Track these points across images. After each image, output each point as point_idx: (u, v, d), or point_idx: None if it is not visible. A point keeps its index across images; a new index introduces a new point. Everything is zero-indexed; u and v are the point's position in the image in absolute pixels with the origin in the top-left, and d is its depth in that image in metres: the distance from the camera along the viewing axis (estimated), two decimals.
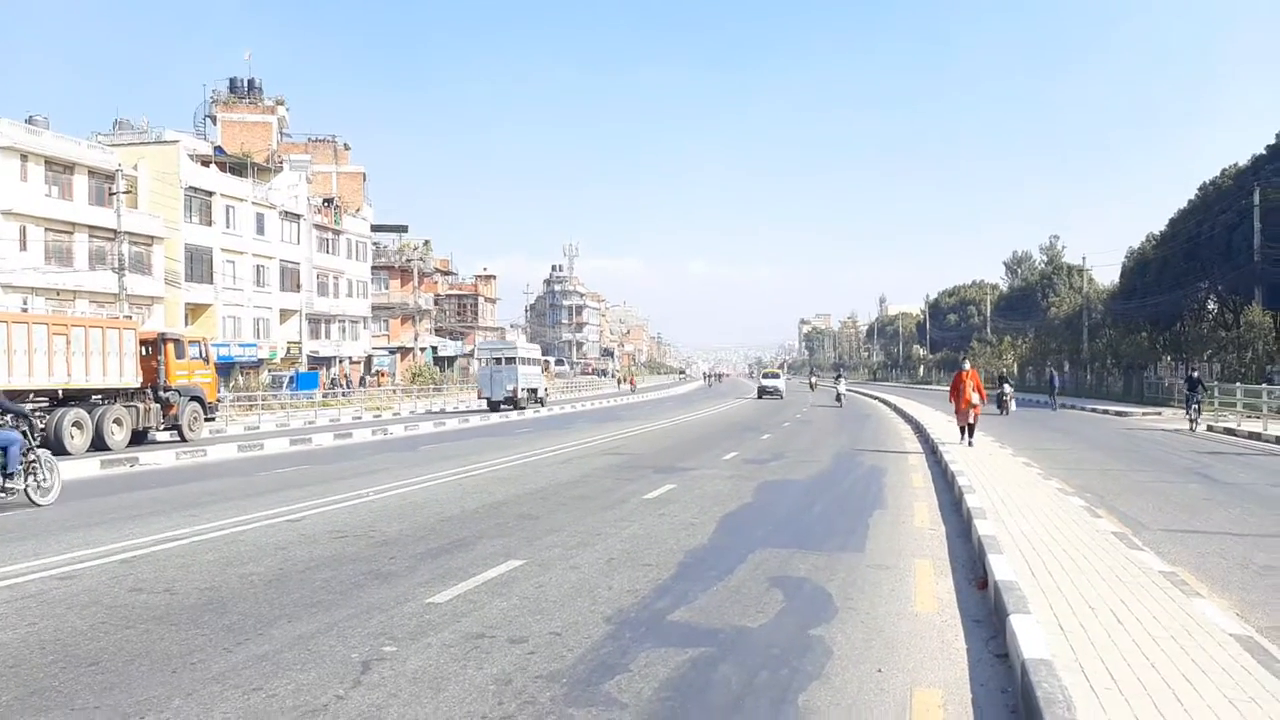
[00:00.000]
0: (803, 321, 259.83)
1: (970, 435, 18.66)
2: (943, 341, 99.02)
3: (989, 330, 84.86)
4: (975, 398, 18.50)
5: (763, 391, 55.41)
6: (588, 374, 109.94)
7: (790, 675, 5.14)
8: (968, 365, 19.91)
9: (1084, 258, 65.65)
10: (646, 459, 17.82)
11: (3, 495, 11.77)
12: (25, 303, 34.21)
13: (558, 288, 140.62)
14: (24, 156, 38.90)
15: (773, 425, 28.91)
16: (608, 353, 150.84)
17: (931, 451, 18.84)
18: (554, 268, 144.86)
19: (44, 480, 12.30)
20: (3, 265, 36.92)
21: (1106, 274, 70.56)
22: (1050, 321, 69.40)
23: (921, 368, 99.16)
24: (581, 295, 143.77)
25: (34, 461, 12.22)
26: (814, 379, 74.83)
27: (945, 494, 12.66)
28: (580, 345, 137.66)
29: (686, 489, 13.17)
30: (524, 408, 40.41)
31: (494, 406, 39.86)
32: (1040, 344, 64.75)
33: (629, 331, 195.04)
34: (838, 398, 44.10)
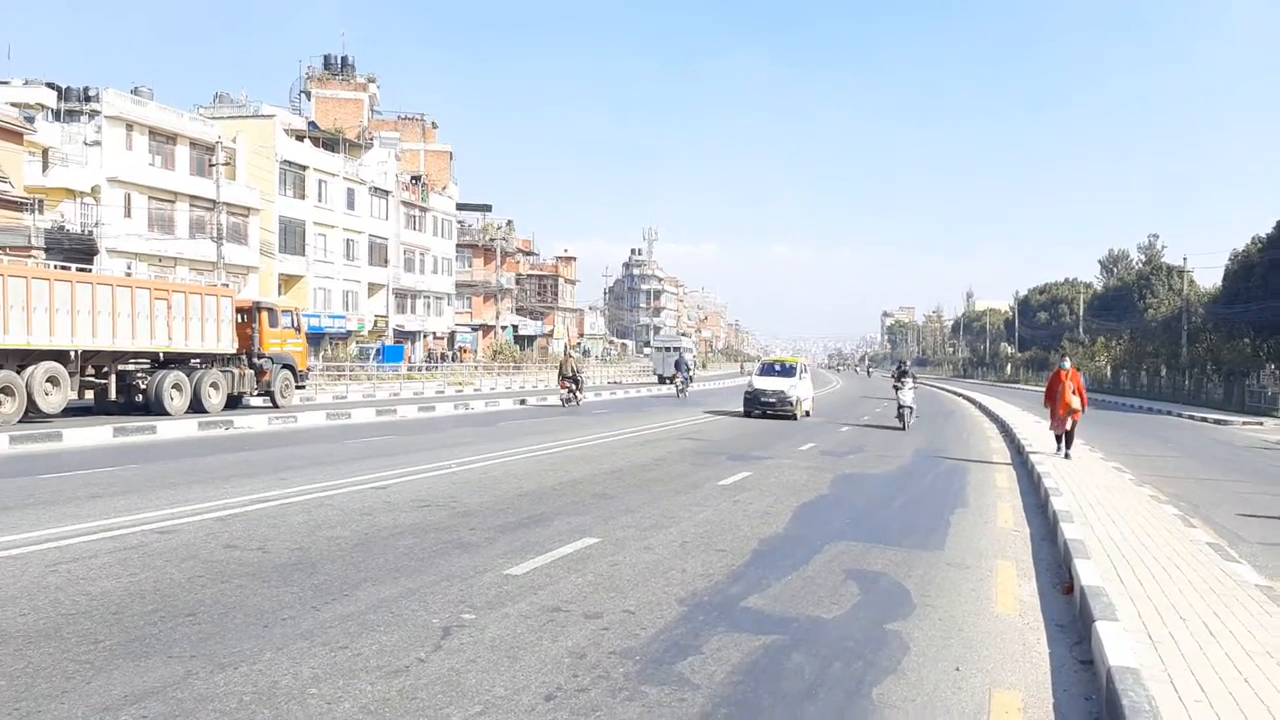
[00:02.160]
0: (885, 314, 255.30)
1: (1068, 445, 16.11)
2: (1031, 340, 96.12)
3: (1081, 330, 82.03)
4: (1076, 401, 15.87)
5: (755, 402, 26.07)
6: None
7: (865, 668, 5.10)
8: (1068, 364, 16.63)
9: (1184, 258, 62.61)
10: (723, 445, 17.79)
11: None
12: (129, 268, 35.89)
13: (636, 271, 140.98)
14: (129, 126, 40.64)
15: (851, 418, 28.53)
16: (684, 336, 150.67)
17: (1018, 452, 18.35)
18: (633, 251, 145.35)
19: None
20: (109, 231, 38.73)
21: (1208, 276, 67.30)
22: (1147, 324, 66.67)
23: (1009, 366, 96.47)
24: (660, 279, 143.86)
25: None
26: (871, 369, 72.21)
27: (1030, 495, 12.34)
28: (657, 330, 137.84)
29: (762, 477, 13.12)
30: (688, 382, 48.26)
31: (662, 380, 52.99)
32: (1136, 347, 62.33)
33: (706, 317, 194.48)
34: (900, 416, 23.71)
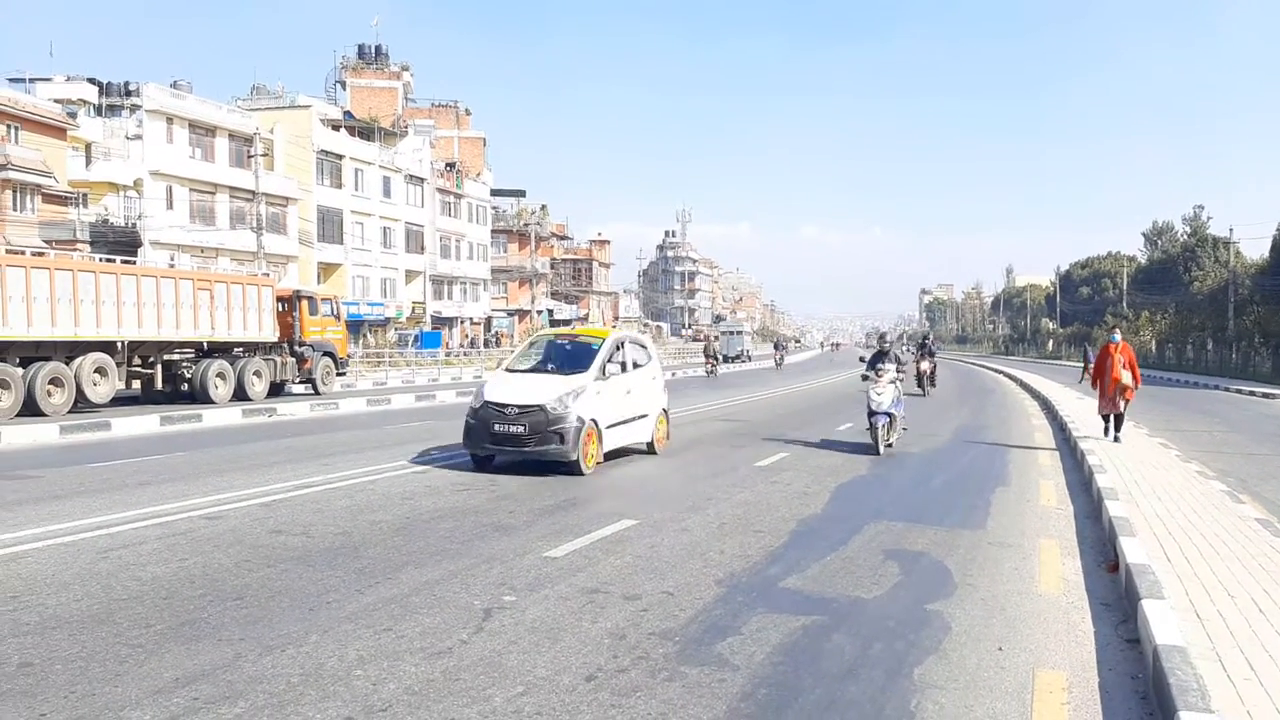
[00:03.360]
0: (923, 291, 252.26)
1: (1117, 428, 14.66)
2: (1074, 315, 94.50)
3: (1125, 304, 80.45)
4: (1127, 377, 14.24)
5: (483, 433, 11.18)
6: (699, 340, 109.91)
7: (906, 648, 5.07)
8: (1118, 336, 14.98)
9: (1230, 229, 60.84)
10: (759, 426, 17.74)
11: None
12: (173, 259, 36.48)
13: (670, 253, 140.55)
14: (170, 120, 41.23)
15: None
16: (719, 319, 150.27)
17: (1060, 429, 18.09)
18: (667, 234, 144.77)
19: None
20: (152, 223, 39.40)
21: (1255, 248, 65.26)
22: (1192, 297, 65.16)
23: (1050, 342, 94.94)
24: (694, 261, 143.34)
25: None
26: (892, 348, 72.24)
27: (1074, 473, 12.17)
28: (692, 311, 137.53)
29: (799, 458, 13.07)
30: (748, 359, 60.39)
31: (727, 360, 57.12)
32: (1181, 320, 61.00)
33: (741, 299, 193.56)
34: (873, 428, 13.75)
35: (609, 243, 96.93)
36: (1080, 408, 20.99)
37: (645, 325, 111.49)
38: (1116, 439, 14.49)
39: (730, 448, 14.21)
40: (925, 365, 28.07)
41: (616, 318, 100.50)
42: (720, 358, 49.31)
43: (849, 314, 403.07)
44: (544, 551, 7.01)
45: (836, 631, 5.31)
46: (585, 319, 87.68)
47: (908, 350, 46.13)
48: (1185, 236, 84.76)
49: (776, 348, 57.16)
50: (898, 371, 14.48)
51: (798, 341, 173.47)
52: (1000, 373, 49.43)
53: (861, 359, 15.66)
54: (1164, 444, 15.00)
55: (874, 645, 5.10)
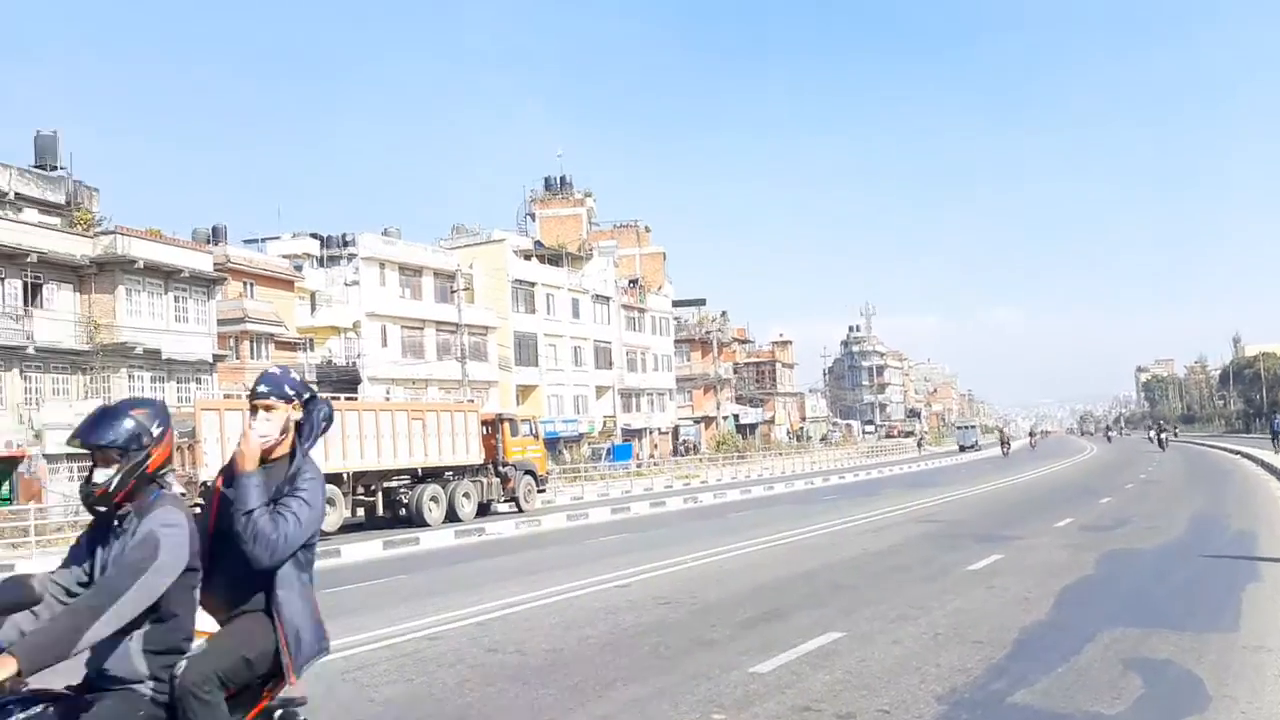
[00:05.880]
0: (1139, 369, 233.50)
1: None
2: None
3: None
4: None
5: None
6: (892, 436, 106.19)
7: None
8: None
9: None
10: (966, 526, 16.85)
11: None
12: (388, 392, 39.57)
13: (855, 349, 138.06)
14: (382, 264, 45.43)
15: (1112, 487, 26.18)
16: (913, 413, 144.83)
17: None
18: (850, 329, 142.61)
19: None
20: (369, 361, 43.04)
21: None
22: None
23: None
24: (881, 355, 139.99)
25: None
26: (1114, 431, 72.61)
27: None
28: (883, 407, 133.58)
29: (1015, 559, 12.28)
30: (979, 448, 74.31)
31: (963, 449, 73.63)
32: None
33: (935, 390, 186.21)
34: None
35: (791, 343, 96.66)
36: None
37: (835, 424, 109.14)
38: None
39: (938, 550, 13.56)
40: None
41: (804, 419, 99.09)
42: (920, 444, 71.56)
43: (1055, 398, 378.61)
44: (750, 667, 6.92)
45: None
46: (772, 421, 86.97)
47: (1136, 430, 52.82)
48: None
49: (1003, 442, 65.80)
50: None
51: (1002, 432, 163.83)
52: (1236, 452, 44.66)
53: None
54: None
55: None
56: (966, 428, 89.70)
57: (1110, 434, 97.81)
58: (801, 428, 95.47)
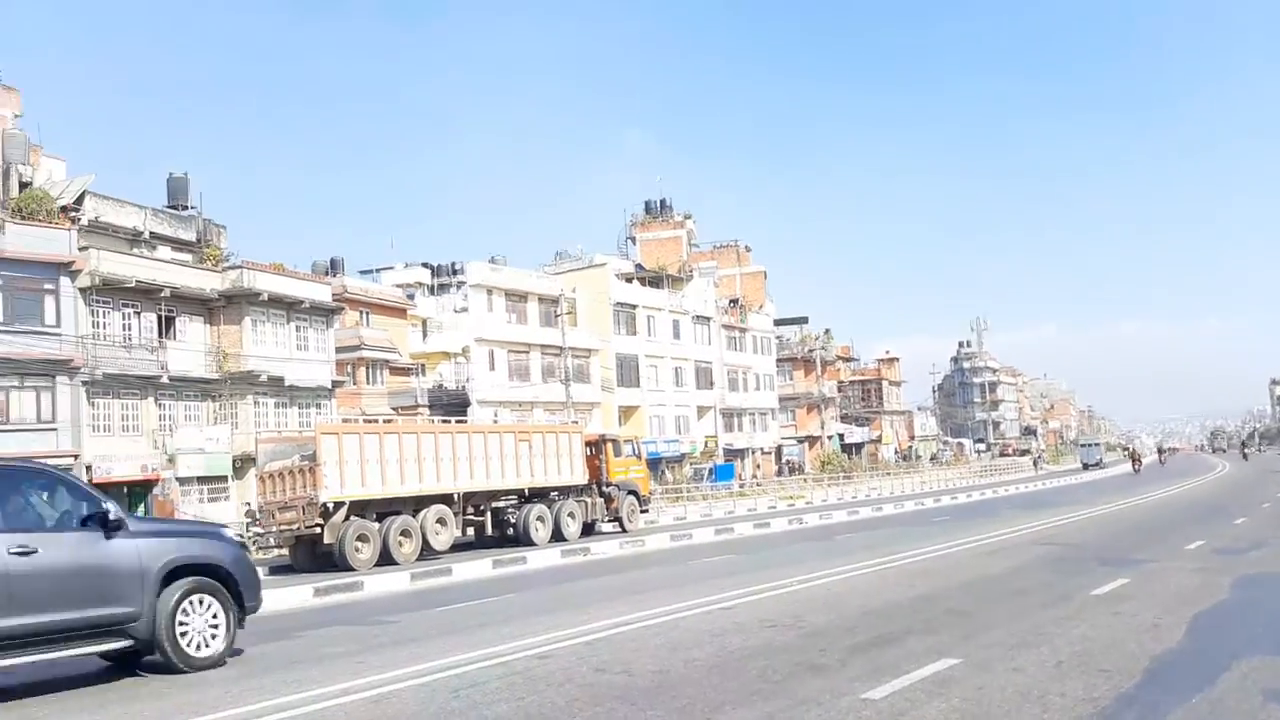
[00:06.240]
0: (1274, 381, 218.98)
1: None
2: None
3: None
4: None
5: None
6: (1007, 455, 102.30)
7: None
8: None
9: None
10: (1089, 549, 16.10)
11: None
12: (495, 415, 40.48)
13: (966, 365, 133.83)
14: (489, 291, 46.65)
15: (1246, 507, 24.60)
16: (1029, 431, 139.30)
17: None
18: (960, 345, 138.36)
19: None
20: (477, 384, 44.14)
21: None
22: None
23: None
24: (994, 371, 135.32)
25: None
26: (1250, 448, 68.72)
27: None
28: (997, 424, 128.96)
29: (1143, 584, 11.67)
30: (1103, 466, 73.34)
31: (1086, 467, 72.64)
32: None
33: (1052, 406, 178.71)
34: None
35: (898, 360, 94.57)
36: None
37: (945, 443, 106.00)
38: None
39: (1060, 574, 12.99)
40: None
41: (912, 437, 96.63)
42: (1036, 463, 74.05)
43: (1182, 413, 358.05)
44: (861, 693, 6.77)
45: None
46: (878, 441, 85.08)
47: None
48: None
49: (1133, 458, 64.94)
50: None
51: (1125, 449, 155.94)
52: None
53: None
54: None
55: None
56: (1090, 445, 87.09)
57: (1246, 450, 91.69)
58: (910, 447, 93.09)
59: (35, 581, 7.69)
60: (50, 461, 29.13)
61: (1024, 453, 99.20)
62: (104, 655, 8.65)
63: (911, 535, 20.74)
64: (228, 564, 9.09)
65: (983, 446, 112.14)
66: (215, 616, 8.82)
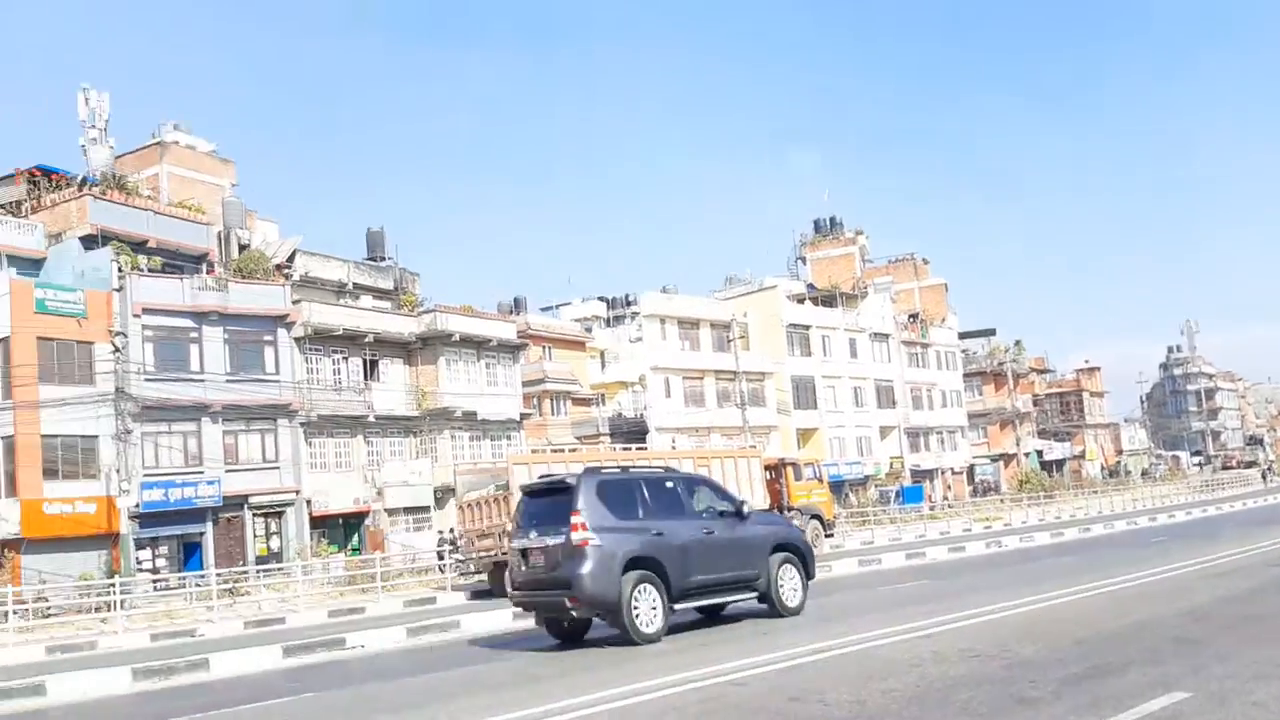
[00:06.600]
0: None
1: None
2: None
3: None
4: None
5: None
6: (1230, 468, 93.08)
7: None
8: None
9: None
10: None
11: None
12: (673, 441, 40.93)
13: (1178, 371, 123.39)
14: (662, 320, 47.41)
15: None
16: (1254, 440, 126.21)
17: None
18: (1170, 350, 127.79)
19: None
20: (654, 412, 44.81)
21: None
22: None
23: None
24: (1209, 376, 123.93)
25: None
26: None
27: None
28: (1216, 434, 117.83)
29: None
30: None
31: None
32: None
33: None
34: None
35: (1098, 369, 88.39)
36: None
37: (1158, 456, 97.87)
38: None
39: None
40: None
41: (1120, 452, 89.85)
42: (1265, 475, 64.11)
43: None
44: None
45: None
46: (1082, 456, 79.65)
47: None
48: None
49: None
50: None
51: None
52: None
53: None
54: None
55: None
56: None
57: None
58: (1118, 462, 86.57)
59: (715, 552, 11.68)
60: (275, 498, 32.10)
61: (1250, 464, 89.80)
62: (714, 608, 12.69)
63: (1125, 558, 19.27)
64: (801, 545, 12.97)
65: (1201, 459, 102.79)
66: (794, 579, 12.52)
